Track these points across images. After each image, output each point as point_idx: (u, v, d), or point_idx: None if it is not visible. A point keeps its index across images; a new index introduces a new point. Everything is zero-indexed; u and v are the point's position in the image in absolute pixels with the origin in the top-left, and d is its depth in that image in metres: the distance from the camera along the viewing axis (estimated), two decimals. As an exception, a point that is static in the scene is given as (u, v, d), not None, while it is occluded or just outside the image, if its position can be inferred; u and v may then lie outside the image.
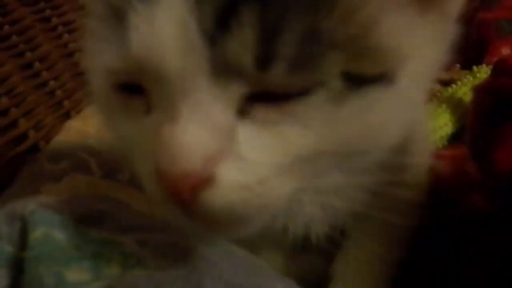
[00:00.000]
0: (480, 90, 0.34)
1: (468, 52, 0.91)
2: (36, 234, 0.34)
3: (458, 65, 0.84)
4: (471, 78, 0.74)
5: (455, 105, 0.71)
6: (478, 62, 0.79)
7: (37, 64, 0.76)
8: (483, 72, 0.75)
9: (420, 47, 0.29)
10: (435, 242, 0.42)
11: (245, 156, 0.26)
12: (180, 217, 0.28)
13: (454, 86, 0.75)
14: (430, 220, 0.43)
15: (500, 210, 0.37)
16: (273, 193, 0.28)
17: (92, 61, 0.31)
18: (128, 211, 0.41)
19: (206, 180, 0.26)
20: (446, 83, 0.78)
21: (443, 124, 0.70)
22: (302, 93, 0.26)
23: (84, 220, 0.36)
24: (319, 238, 0.40)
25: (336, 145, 0.28)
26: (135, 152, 0.30)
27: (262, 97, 0.26)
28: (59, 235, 0.34)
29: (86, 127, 0.70)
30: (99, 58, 0.28)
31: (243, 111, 0.26)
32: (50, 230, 0.34)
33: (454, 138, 0.69)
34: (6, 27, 0.73)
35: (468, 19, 0.93)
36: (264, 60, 0.24)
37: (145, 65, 0.25)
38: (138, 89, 0.28)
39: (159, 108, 0.27)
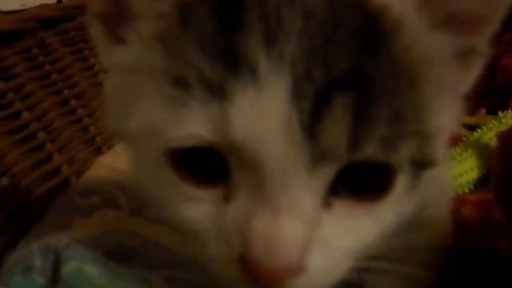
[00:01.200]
0: (505, 137, 0.34)
1: (493, 97, 0.91)
2: (69, 268, 0.35)
3: (483, 110, 0.85)
4: (496, 123, 0.74)
5: (481, 150, 0.71)
6: (504, 107, 0.79)
7: (73, 101, 0.80)
8: (509, 118, 0.74)
9: (446, 123, 0.31)
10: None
11: (328, 243, 0.28)
12: None
13: (479, 131, 0.75)
14: (456, 267, 0.42)
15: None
16: (342, 270, 0.30)
17: (144, 123, 0.29)
18: (156, 248, 0.42)
19: (299, 269, 0.27)
20: (471, 128, 0.78)
21: (469, 169, 0.69)
22: (381, 193, 0.28)
23: (114, 256, 0.38)
24: None
25: (397, 225, 0.31)
26: (199, 232, 0.29)
27: (343, 193, 0.28)
28: (91, 270, 0.36)
29: (116, 164, 0.72)
30: (161, 121, 0.27)
31: (327, 202, 0.28)
32: (82, 265, 0.36)
33: (480, 183, 0.68)
34: (47, 66, 0.78)
35: (493, 64, 0.94)
36: (357, 142, 0.25)
37: (242, 147, 0.26)
38: (204, 166, 0.28)
39: (247, 194, 0.27)
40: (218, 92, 0.25)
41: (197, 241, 0.30)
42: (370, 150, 0.26)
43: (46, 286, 0.36)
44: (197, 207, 0.29)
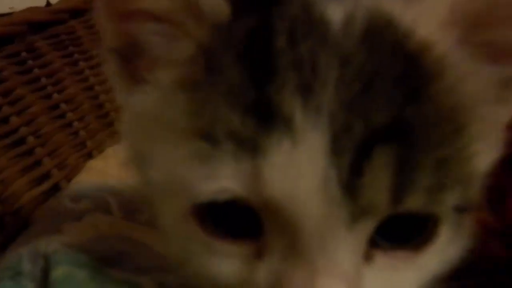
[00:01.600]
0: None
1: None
2: (58, 272, 0.35)
3: None
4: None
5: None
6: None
7: (63, 106, 0.79)
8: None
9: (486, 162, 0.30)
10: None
11: None
12: None
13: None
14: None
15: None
16: None
17: (169, 176, 0.27)
18: (146, 252, 0.42)
19: None
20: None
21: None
22: (424, 243, 0.27)
23: (104, 260, 0.37)
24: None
25: (436, 275, 0.29)
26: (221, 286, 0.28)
27: (384, 244, 0.26)
28: (80, 274, 0.35)
29: (107, 168, 0.71)
30: (187, 173, 0.26)
31: (367, 255, 0.26)
32: (72, 269, 0.35)
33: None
34: (36, 70, 0.77)
35: None
36: (399, 195, 0.24)
37: (276, 205, 0.24)
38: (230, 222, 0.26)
39: (281, 252, 0.26)
40: (250, 147, 0.24)
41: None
42: (413, 202, 0.24)
43: (36, 291, 0.36)
44: (226, 262, 0.27)
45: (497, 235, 0.40)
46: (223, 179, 0.24)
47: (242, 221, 0.26)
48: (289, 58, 0.24)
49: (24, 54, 0.76)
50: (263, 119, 0.24)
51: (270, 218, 0.25)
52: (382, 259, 0.26)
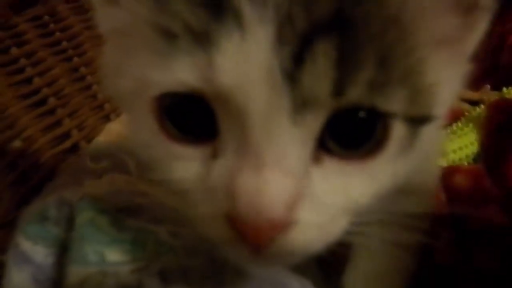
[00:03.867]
0: (493, 106, 0.36)
1: (499, 74, 0.91)
2: (83, 218, 0.38)
3: (488, 86, 0.85)
4: (499, 99, 0.75)
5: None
6: (509, 84, 0.80)
7: (82, 69, 0.82)
8: (512, 94, 0.75)
9: (446, 81, 0.30)
10: (451, 253, 0.44)
11: (319, 199, 0.27)
12: (244, 255, 0.28)
13: (482, 106, 0.76)
14: (447, 231, 0.44)
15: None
16: (337, 229, 0.29)
17: (135, 79, 0.29)
18: (162, 206, 0.44)
19: (287, 224, 0.26)
20: (475, 103, 0.79)
21: (468, 143, 0.71)
22: (375, 149, 0.28)
23: (123, 211, 0.40)
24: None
25: (391, 187, 0.30)
26: (187, 190, 0.29)
27: (335, 149, 0.27)
28: (102, 221, 0.38)
29: (124, 130, 0.74)
30: (149, 71, 0.27)
31: (316, 157, 0.27)
32: (94, 215, 0.38)
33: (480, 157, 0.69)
34: (58, 33, 0.79)
35: (499, 42, 0.94)
36: (340, 87, 0.25)
37: (227, 93, 0.25)
38: (192, 115, 0.28)
39: (233, 149, 0.27)
40: (204, 40, 0.25)
41: (186, 200, 0.29)
42: (355, 94, 0.25)
43: (60, 234, 0.39)
44: (185, 165, 0.29)
45: (496, 201, 0.42)
46: (179, 72, 0.26)
47: (200, 122, 0.28)
48: None
49: (46, 17, 0.78)
50: (215, 13, 0.25)
51: (223, 111, 0.26)
52: (331, 163, 0.27)
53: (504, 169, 0.33)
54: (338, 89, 0.25)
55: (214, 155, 0.28)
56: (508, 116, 0.32)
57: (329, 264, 0.46)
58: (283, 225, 0.26)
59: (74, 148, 0.72)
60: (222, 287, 0.38)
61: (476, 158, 0.70)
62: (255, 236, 0.26)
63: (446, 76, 0.30)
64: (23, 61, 0.70)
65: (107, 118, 0.83)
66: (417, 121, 0.28)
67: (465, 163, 0.69)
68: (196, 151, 0.28)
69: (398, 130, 0.27)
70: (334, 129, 0.27)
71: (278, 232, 0.26)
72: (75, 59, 0.81)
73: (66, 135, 0.72)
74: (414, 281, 0.43)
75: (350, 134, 0.27)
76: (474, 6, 0.29)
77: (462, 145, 0.71)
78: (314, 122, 0.26)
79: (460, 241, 0.45)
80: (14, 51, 0.69)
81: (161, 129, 0.28)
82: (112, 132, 0.73)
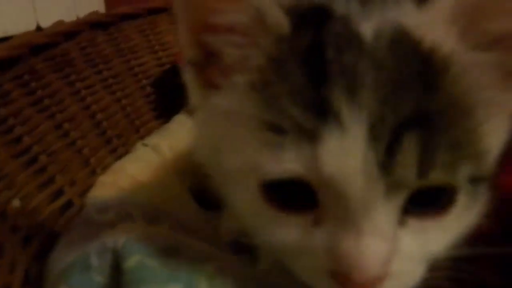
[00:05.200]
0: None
1: None
2: (131, 262, 0.38)
3: None
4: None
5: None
6: None
7: (66, 125, 0.81)
8: None
9: (498, 143, 0.36)
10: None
11: (406, 253, 0.33)
12: None
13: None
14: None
15: (506, 230, 0.43)
16: (418, 275, 0.34)
17: (242, 163, 0.34)
18: (195, 246, 0.45)
19: (384, 277, 0.32)
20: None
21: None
22: (448, 205, 0.33)
23: (166, 251, 0.40)
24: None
25: (460, 237, 0.36)
26: (291, 250, 0.35)
27: (415, 211, 0.33)
28: (152, 262, 0.38)
29: (118, 182, 0.74)
30: (259, 159, 0.32)
31: (402, 221, 0.33)
32: (143, 258, 0.38)
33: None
34: (39, 91, 0.79)
35: None
36: (423, 171, 0.30)
37: (329, 181, 0.30)
38: (295, 193, 0.33)
39: (333, 220, 0.32)
40: (309, 136, 0.30)
41: (289, 257, 0.35)
42: (435, 176, 0.30)
43: (105, 283, 0.38)
44: (289, 231, 0.34)
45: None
46: (287, 162, 0.31)
47: (301, 197, 0.33)
48: (337, 66, 0.31)
49: (27, 76, 0.78)
50: (319, 113, 0.30)
51: (324, 192, 0.32)
52: (414, 223, 0.33)
53: (498, 180, 0.37)
54: (421, 174, 0.30)
55: (315, 223, 0.33)
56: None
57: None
58: (381, 279, 0.32)
59: (69, 205, 0.70)
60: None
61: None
62: None
63: (498, 139, 0.35)
64: (11, 121, 0.69)
65: (93, 173, 0.82)
66: (478, 181, 0.34)
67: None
68: (298, 218, 0.34)
69: (464, 190, 0.33)
70: (414, 197, 0.32)
71: (377, 284, 0.32)
72: (58, 115, 0.80)
73: (60, 192, 0.71)
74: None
75: (428, 199, 0.33)
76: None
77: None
78: (401, 198, 0.31)
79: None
80: (2, 111, 0.68)
81: (267, 200, 0.34)
82: (107, 185, 0.73)
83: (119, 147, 0.91)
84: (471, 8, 0.33)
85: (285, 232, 0.34)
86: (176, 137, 0.90)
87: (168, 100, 1.06)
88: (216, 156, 0.36)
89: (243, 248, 0.53)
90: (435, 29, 0.33)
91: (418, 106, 0.30)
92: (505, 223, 0.45)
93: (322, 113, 0.30)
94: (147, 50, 1.11)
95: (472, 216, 0.36)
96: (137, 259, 0.38)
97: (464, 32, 0.33)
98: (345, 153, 0.30)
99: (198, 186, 0.75)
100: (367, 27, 0.33)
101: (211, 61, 0.36)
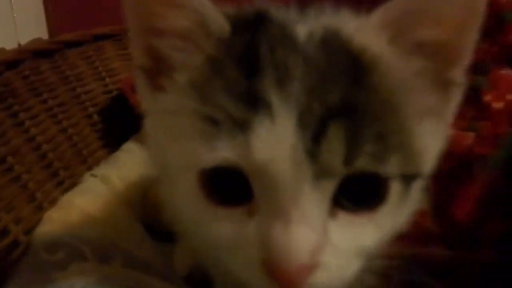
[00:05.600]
0: (444, 154, 0.43)
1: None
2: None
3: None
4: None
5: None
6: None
7: (9, 158, 0.78)
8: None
9: (431, 144, 0.39)
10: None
11: (336, 246, 0.34)
12: None
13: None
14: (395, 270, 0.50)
15: (459, 255, 0.47)
16: (352, 270, 0.36)
17: (181, 158, 0.36)
18: (153, 284, 0.45)
19: (313, 267, 0.33)
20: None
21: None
22: (378, 203, 0.35)
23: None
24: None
25: (392, 234, 0.38)
26: (227, 245, 0.36)
27: (346, 205, 0.34)
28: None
29: (67, 217, 0.72)
30: (196, 150, 0.34)
31: (332, 213, 0.34)
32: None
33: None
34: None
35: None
36: (349, 159, 0.32)
37: (261, 167, 0.32)
38: (231, 184, 0.34)
39: (265, 210, 0.34)
40: (241, 126, 0.32)
41: (225, 254, 0.36)
42: (361, 164, 0.32)
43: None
44: (225, 224, 0.35)
45: (439, 239, 0.49)
46: (221, 150, 0.33)
47: (237, 190, 0.34)
48: (269, 60, 0.34)
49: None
50: (251, 104, 0.32)
51: (257, 181, 0.33)
52: (345, 217, 0.34)
53: (451, 211, 0.41)
54: (347, 161, 0.32)
55: (249, 214, 0.34)
56: (458, 163, 0.41)
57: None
58: (310, 268, 0.33)
59: (15, 244, 0.67)
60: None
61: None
62: (287, 279, 0.32)
63: (432, 140, 0.38)
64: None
65: (39, 208, 0.79)
66: (409, 178, 0.36)
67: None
68: (234, 212, 0.35)
69: (395, 186, 0.35)
70: (345, 190, 0.34)
71: (307, 274, 0.33)
72: (1, 148, 0.77)
73: (4, 231, 0.68)
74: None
75: (357, 193, 0.34)
76: (450, 83, 0.38)
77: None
78: (330, 186, 0.33)
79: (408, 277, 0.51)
80: None
81: (205, 196, 0.35)
82: (55, 220, 0.70)
83: (66, 179, 0.88)
84: (400, 17, 0.36)
85: (221, 226, 0.35)
86: (125, 166, 0.89)
87: (116, 127, 1.04)
88: (163, 157, 0.38)
89: (199, 281, 0.54)
90: (365, 33, 0.36)
91: (345, 99, 0.32)
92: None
93: (254, 103, 0.32)
94: (94, 77, 1.09)
95: (405, 214, 0.38)
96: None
97: (393, 39, 0.36)
98: (275, 141, 0.32)
99: (149, 217, 0.74)
100: (301, 29, 0.36)
101: (160, 66, 0.38)
